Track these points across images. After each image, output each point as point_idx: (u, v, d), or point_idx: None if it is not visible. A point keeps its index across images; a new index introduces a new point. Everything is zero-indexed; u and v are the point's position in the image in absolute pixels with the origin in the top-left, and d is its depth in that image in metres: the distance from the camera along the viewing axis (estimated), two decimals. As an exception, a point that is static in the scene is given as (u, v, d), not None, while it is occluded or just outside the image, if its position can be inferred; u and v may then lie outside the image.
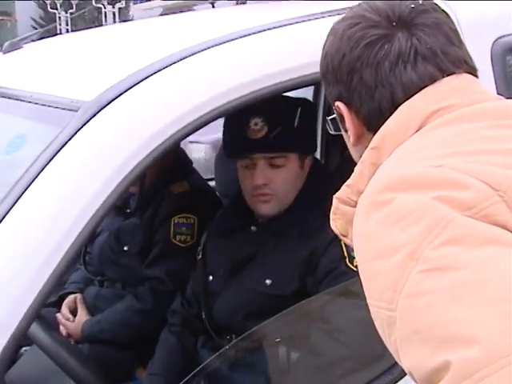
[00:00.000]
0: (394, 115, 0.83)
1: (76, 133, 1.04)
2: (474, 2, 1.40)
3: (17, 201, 1.00)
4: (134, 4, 3.00)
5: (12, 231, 1.00)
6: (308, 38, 1.23)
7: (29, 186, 1.01)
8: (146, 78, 1.08)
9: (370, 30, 0.85)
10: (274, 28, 1.22)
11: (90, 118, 1.05)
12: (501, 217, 0.64)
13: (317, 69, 1.10)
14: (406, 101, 0.83)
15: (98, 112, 1.05)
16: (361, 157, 0.91)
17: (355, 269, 1.36)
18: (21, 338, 0.96)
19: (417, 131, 0.80)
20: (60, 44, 1.70)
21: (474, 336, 0.56)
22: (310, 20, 1.28)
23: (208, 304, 1.68)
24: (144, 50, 1.29)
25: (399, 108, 0.83)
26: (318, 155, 2.38)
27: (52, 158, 1.03)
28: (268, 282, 1.55)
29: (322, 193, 1.44)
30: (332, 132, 1.01)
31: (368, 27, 0.85)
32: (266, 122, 1.54)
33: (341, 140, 1.92)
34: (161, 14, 2.30)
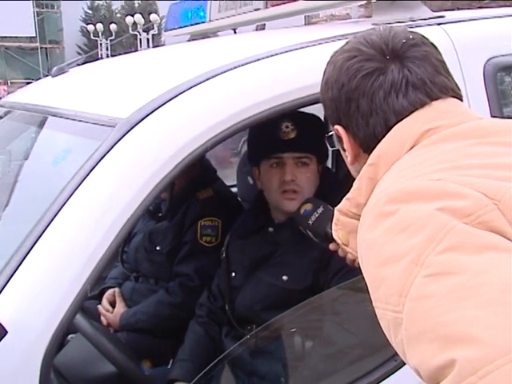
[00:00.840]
0: (388, 135, 0.83)
1: (113, 146, 1.05)
2: (468, 25, 1.39)
3: (63, 206, 1.02)
4: (165, 32, 3.01)
5: (59, 234, 1.01)
6: (317, 60, 1.24)
7: (73, 192, 1.02)
8: (173, 97, 1.09)
9: (366, 63, 0.85)
10: (290, 51, 1.21)
11: (126, 133, 1.06)
12: (496, 223, 0.63)
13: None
14: (396, 123, 0.83)
15: (132, 128, 1.07)
16: (358, 173, 0.91)
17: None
18: (67, 327, 0.97)
19: (410, 149, 0.80)
20: (100, 68, 1.72)
21: (476, 336, 0.55)
22: (320, 44, 1.28)
23: (231, 297, 1.68)
24: (173, 72, 1.30)
25: (393, 129, 0.83)
26: (329, 165, 2.38)
27: (93, 169, 1.04)
28: (285, 277, 1.55)
29: (332, 198, 1.45)
30: (330, 148, 1.01)
31: (364, 60, 0.85)
32: (295, 125, 1.56)
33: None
34: (189, 40, 2.32)
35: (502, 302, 0.56)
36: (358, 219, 0.81)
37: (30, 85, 1.77)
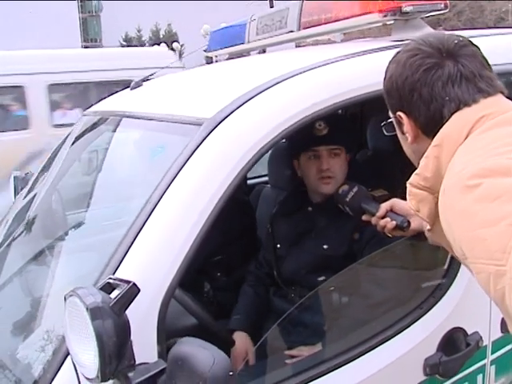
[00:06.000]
0: (449, 121, 0.83)
1: (202, 142, 1.03)
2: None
3: (164, 193, 0.99)
4: (208, 52, 2.95)
5: (164, 213, 0.98)
6: (357, 68, 1.22)
7: (172, 181, 1.00)
8: (251, 98, 1.07)
9: (426, 59, 0.85)
10: (336, 61, 1.20)
11: (212, 130, 1.04)
12: None
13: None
14: (455, 111, 0.83)
15: (217, 125, 1.04)
16: (413, 153, 0.93)
17: (390, 236, 1.34)
18: (173, 291, 0.94)
19: (468, 134, 0.80)
20: (174, 80, 1.67)
21: None
22: (357, 56, 1.26)
23: (278, 264, 1.68)
24: (245, 78, 1.27)
25: (453, 116, 0.83)
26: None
27: (186, 161, 1.02)
28: (325, 246, 1.54)
29: (358, 179, 1.45)
30: (386, 134, 1.00)
31: (425, 57, 0.86)
32: (326, 123, 1.55)
33: (379, 140, 1.85)
34: (227, 59, 2.29)
35: None
36: (426, 190, 0.82)
37: (111, 97, 1.75)
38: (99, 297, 0.77)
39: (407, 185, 0.86)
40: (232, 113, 1.05)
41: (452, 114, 0.83)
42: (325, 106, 1.10)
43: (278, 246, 1.70)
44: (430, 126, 0.85)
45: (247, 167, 1.03)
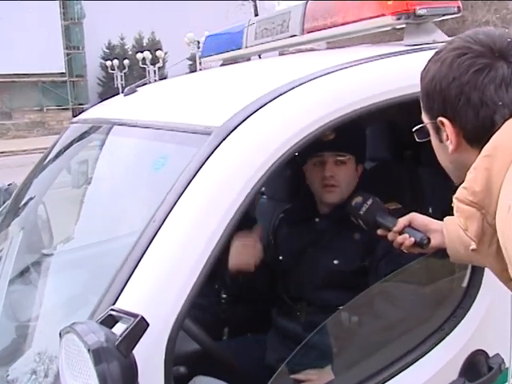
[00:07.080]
0: (504, 129, 0.73)
1: (212, 152, 0.93)
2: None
3: (170, 211, 0.88)
4: (202, 58, 2.87)
5: (170, 235, 0.87)
6: (372, 73, 1.14)
7: (178, 198, 0.89)
8: (263, 105, 0.97)
9: (477, 59, 0.76)
10: (352, 66, 1.11)
11: (223, 140, 0.94)
12: None
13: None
14: (509, 117, 0.74)
15: (228, 135, 0.94)
16: (451, 163, 0.83)
17: (405, 251, 1.26)
18: (181, 323, 0.83)
19: None
20: (172, 85, 1.57)
21: None
22: (370, 61, 1.18)
23: (283, 279, 1.57)
24: (255, 84, 1.17)
25: (507, 122, 0.73)
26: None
27: (194, 176, 0.91)
28: (336, 261, 1.44)
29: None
30: (419, 140, 0.91)
31: (475, 57, 0.76)
32: (333, 129, 1.45)
33: (376, 149, 1.75)
34: (221, 65, 2.20)
35: None
36: (474, 206, 0.73)
37: (101, 104, 1.63)
38: (102, 335, 0.65)
39: (454, 200, 0.77)
40: (245, 120, 0.96)
41: (505, 120, 0.74)
42: (345, 113, 1.02)
43: (281, 257, 1.60)
44: (477, 135, 0.77)
45: (262, 181, 0.93)
